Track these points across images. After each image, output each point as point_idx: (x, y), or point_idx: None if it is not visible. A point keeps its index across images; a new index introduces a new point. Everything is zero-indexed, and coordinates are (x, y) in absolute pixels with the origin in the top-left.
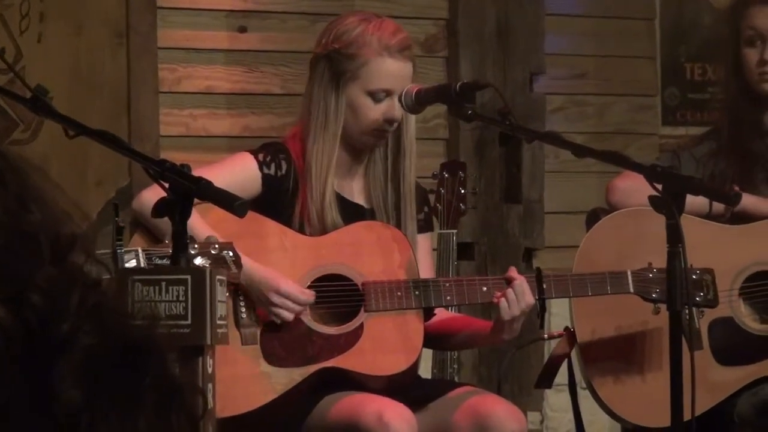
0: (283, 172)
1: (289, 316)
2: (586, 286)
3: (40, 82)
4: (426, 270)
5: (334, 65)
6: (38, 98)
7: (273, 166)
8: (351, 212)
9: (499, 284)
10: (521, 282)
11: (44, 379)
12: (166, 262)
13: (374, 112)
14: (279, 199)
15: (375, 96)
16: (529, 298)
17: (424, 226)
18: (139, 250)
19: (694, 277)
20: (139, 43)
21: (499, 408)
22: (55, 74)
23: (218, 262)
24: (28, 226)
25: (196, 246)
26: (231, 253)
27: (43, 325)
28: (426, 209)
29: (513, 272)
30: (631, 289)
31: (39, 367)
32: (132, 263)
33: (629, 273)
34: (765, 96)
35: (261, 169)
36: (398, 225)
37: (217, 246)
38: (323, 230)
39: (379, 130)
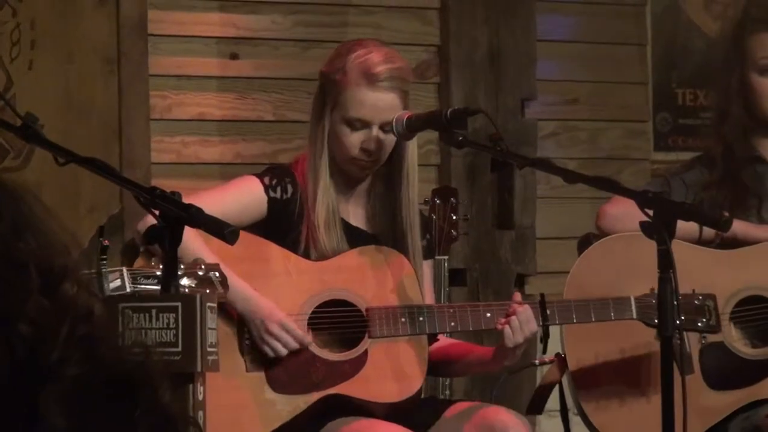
0: (289, 195)
1: (282, 350)
2: (590, 312)
3: (31, 109)
4: (426, 297)
5: (324, 90)
6: (28, 126)
7: (279, 189)
8: (354, 237)
9: (503, 310)
10: (525, 309)
11: (30, 407)
12: (151, 281)
13: (351, 140)
14: (284, 223)
15: (352, 124)
16: (532, 326)
17: (427, 254)
18: (124, 270)
19: (696, 302)
20: (131, 70)
21: (506, 417)
22: (46, 101)
23: (204, 282)
24: (20, 256)
25: (182, 266)
26: (217, 274)
27: (30, 354)
28: (428, 236)
29: (517, 299)
30: (634, 315)
31: (25, 395)
32: (117, 283)
33: (632, 299)
34: None
35: (267, 192)
36: (403, 252)
37: (203, 267)
38: (327, 254)
39: (356, 159)
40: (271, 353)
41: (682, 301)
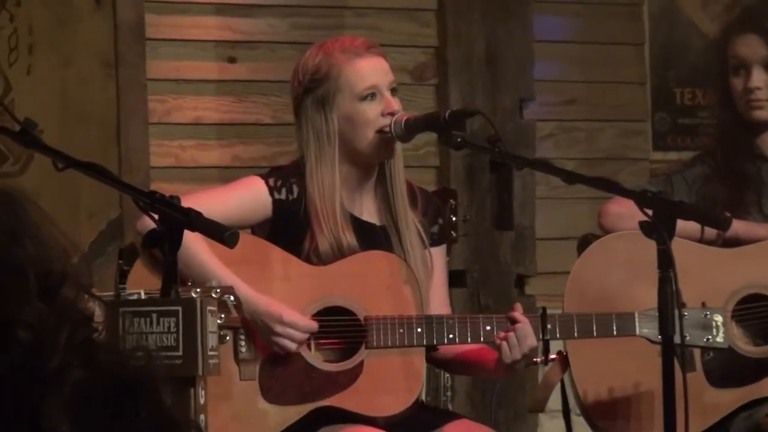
0: (295, 196)
1: (292, 345)
2: (592, 327)
3: (30, 114)
4: (439, 285)
5: (314, 93)
6: (27, 131)
7: (284, 190)
8: (364, 232)
9: (503, 323)
10: (523, 325)
11: (32, 415)
12: None
13: (372, 113)
14: (290, 225)
15: (365, 98)
16: (531, 341)
17: (438, 239)
18: (142, 293)
19: (703, 317)
20: (128, 74)
21: None
22: (45, 107)
23: (219, 306)
24: (17, 261)
25: (198, 290)
26: (232, 298)
27: (29, 361)
28: (440, 221)
29: (517, 312)
30: (637, 332)
31: (27, 403)
32: None
33: (636, 314)
34: (754, 123)
35: (272, 194)
36: (401, 237)
37: (218, 290)
38: (339, 253)
39: (382, 130)
40: (281, 351)
41: (689, 315)
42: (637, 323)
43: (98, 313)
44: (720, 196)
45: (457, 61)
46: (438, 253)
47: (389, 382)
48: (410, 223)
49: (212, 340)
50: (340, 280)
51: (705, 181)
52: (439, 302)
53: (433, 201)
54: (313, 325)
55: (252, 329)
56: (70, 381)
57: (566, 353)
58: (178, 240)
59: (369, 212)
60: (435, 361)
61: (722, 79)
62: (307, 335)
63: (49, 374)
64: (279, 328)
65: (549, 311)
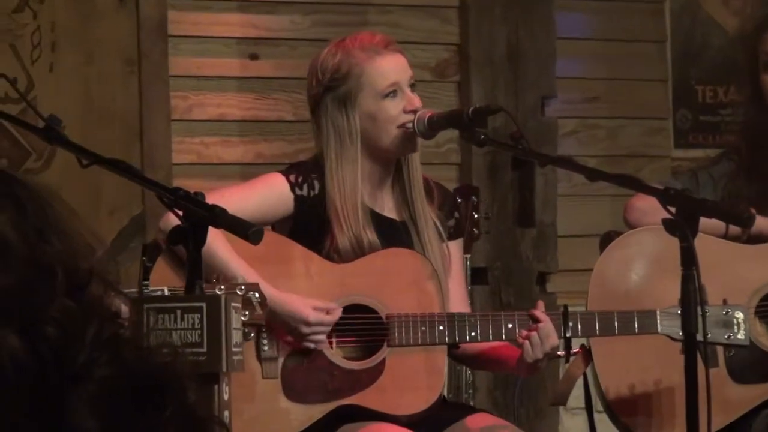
0: (316, 191)
1: (322, 338)
2: (614, 325)
3: (52, 111)
4: (457, 277)
5: (335, 92)
6: (52, 128)
7: (305, 186)
8: (385, 228)
9: (525, 321)
10: (546, 324)
11: (58, 410)
12: None
13: (394, 109)
14: (311, 221)
15: (387, 95)
16: (553, 341)
17: (455, 233)
18: (165, 290)
19: (724, 314)
20: (151, 71)
21: None
22: (67, 103)
23: (244, 303)
24: (45, 258)
25: (222, 287)
26: (257, 294)
27: (57, 357)
28: (456, 215)
29: (539, 310)
30: (659, 329)
31: (53, 398)
32: None
33: (658, 312)
34: None
35: (293, 190)
36: (419, 232)
37: (243, 287)
38: (360, 251)
39: (404, 125)
40: (312, 347)
41: (710, 312)
42: (658, 321)
43: (124, 310)
44: (745, 193)
45: (479, 58)
46: (455, 247)
47: (411, 380)
48: (428, 217)
49: (236, 337)
50: (362, 278)
51: (731, 178)
52: (456, 295)
53: (449, 195)
54: (335, 315)
55: (275, 327)
56: (96, 377)
57: (589, 347)
58: (202, 236)
59: (389, 208)
60: (456, 357)
61: (752, 75)
62: (329, 327)
63: (75, 370)
64: (305, 329)
65: (570, 309)
